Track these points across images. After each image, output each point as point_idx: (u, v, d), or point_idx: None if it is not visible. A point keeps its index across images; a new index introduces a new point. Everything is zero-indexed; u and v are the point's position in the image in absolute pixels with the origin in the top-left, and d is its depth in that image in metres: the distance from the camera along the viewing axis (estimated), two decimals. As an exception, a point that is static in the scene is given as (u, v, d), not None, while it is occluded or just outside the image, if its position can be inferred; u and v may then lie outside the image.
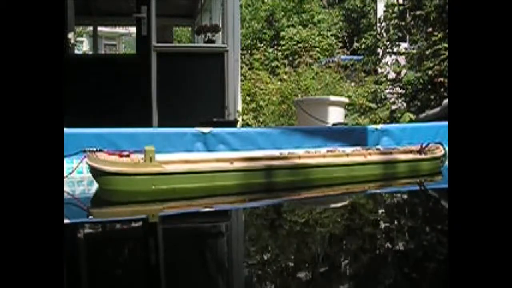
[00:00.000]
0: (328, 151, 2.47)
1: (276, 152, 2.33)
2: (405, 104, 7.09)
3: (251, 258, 1.14)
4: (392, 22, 7.68)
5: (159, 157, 1.95)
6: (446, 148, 2.64)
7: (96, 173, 1.88)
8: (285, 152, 2.33)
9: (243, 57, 7.62)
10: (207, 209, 1.80)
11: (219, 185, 1.94)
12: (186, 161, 2.07)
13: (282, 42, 11.09)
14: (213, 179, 1.94)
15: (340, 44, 10.94)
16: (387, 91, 7.39)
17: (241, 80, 6.28)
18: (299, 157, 2.30)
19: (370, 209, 1.85)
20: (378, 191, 2.29)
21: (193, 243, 1.31)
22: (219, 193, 1.94)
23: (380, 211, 1.83)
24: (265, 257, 1.13)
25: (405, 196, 2.22)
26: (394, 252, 1.14)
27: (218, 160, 2.14)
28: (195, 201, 1.89)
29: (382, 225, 1.54)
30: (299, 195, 2.09)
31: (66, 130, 2.04)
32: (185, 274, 0.99)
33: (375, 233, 1.42)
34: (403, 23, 7.50)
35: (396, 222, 1.61)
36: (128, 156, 2.01)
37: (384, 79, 7.39)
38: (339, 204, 1.98)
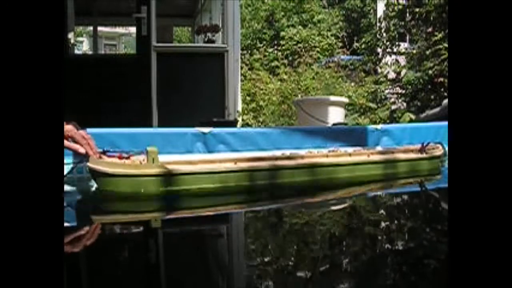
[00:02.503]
0: (330, 151, 2.46)
1: (277, 153, 2.32)
2: (405, 104, 7.10)
3: (259, 262, 1.14)
4: (392, 21, 7.69)
5: (161, 158, 1.94)
6: (446, 148, 2.64)
7: (97, 175, 1.87)
8: (287, 152, 2.33)
9: (243, 57, 7.63)
10: (212, 212, 1.78)
11: (223, 186, 1.93)
12: (190, 162, 2.06)
13: (282, 42, 11.12)
14: (218, 180, 1.93)
15: (340, 44, 10.96)
16: (387, 91, 7.40)
17: (241, 80, 6.28)
18: (302, 157, 2.29)
19: (385, 211, 1.83)
20: (387, 191, 2.27)
21: (198, 246, 1.30)
22: (223, 194, 1.92)
23: (397, 213, 1.80)
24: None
25: (420, 197, 2.19)
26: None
27: (222, 161, 2.13)
28: (201, 202, 1.87)
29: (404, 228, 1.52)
30: (302, 196, 2.07)
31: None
32: (190, 279, 0.99)
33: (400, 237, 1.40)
34: (402, 23, 7.51)
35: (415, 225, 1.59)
36: (128, 158, 1.99)
37: (384, 79, 7.40)
38: (354, 206, 1.95)
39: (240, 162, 2.08)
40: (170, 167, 1.90)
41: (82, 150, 1.91)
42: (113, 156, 1.99)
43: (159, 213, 1.80)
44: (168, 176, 1.85)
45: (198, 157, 2.29)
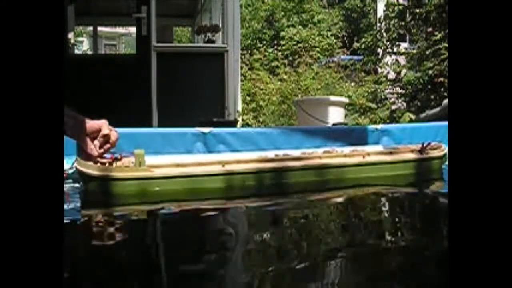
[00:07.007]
0: (324, 151, 2.42)
1: (271, 154, 2.29)
2: (405, 104, 7.10)
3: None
4: (392, 22, 7.69)
5: (150, 160, 1.93)
6: (447, 148, 2.63)
7: (84, 177, 1.87)
8: (280, 153, 2.30)
9: (243, 57, 7.62)
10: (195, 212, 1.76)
11: (209, 188, 1.92)
12: (177, 165, 2.04)
13: (282, 42, 11.11)
14: (203, 182, 1.92)
15: (340, 44, 10.95)
16: (387, 91, 7.40)
17: (241, 80, 6.28)
18: (293, 158, 2.25)
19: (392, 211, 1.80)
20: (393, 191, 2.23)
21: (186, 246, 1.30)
22: (209, 197, 1.91)
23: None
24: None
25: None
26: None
27: (209, 163, 2.10)
28: (185, 204, 1.86)
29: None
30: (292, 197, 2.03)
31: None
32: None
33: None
34: (403, 23, 7.51)
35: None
36: (120, 159, 1.98)
37: (384, 79, 7.40)
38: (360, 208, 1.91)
39: (228, 164, 2.04)
40: (156, 170, 1.90)
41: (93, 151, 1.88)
42: (106, 157, 1.98)
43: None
44: (153, 179, 1.85)
45: (186, 159, 2.25)
